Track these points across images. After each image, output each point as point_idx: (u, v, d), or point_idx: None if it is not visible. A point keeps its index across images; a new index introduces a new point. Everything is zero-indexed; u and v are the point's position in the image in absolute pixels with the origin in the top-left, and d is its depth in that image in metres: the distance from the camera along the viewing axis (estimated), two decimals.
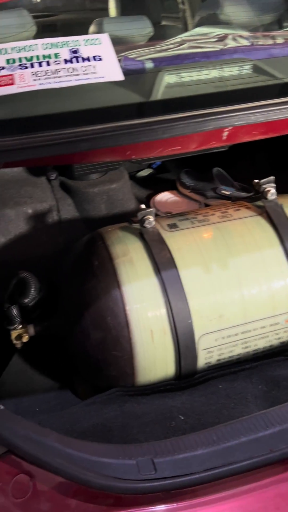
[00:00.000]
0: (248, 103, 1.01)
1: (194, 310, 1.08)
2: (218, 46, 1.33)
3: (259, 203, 1.24)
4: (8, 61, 1.00)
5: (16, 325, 1.21)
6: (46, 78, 0.98)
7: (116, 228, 1.20)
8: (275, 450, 0.79)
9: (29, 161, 1.13)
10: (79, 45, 1.04)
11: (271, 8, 1.62)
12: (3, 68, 0.99)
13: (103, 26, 1.42)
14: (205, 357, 1.11)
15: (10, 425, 0.77)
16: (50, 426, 0.82)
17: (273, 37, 1.43)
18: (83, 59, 1.02)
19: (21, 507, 0.76)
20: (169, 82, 1.16)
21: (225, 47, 1.33)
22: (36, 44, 1.04)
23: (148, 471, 0.76)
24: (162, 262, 1.09)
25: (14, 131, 0.94)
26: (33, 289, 1.22)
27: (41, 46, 1.03)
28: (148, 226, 1.15)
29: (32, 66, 1.00)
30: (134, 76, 1.19)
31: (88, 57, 1.03)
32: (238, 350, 1.14)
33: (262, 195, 1.22)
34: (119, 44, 1.21)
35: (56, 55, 1.02)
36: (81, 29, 1.47)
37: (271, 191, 1.22)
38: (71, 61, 1.01)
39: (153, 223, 1.16)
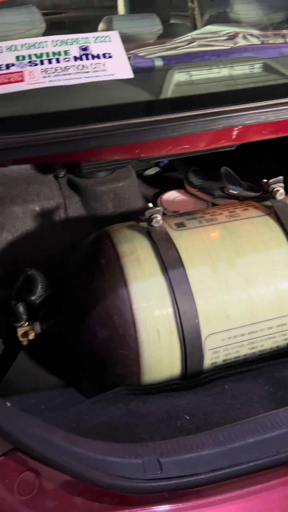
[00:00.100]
0: (259, 102, 1.00)
1: (201, 310, 1.07)
2: (228, 45, 1.32)
3: (268, 203, 1.24)
4: (18, 58, 1.00)
5: (22, 323, 1.21)
6: (55, 75, 0.97)
7: (124, 227, 1.20)
8: (282, 452, 0.79)
9: (38, 158, 1.13)
10: (89, 43, 1.04)
11: (282, 6, 1.61)
12: (12, 65, 0.99)
13: (113, 23, 1.42)
14: (211, 357, 1.11)
15: (17, 423, 0.77)
16: (56, 424, 0.82)
17: (283, 36, 1.42)
18: (93, 57, 1.02)
19: (27, 505, 0.76)
20: (179, 80, 1.15)
21: (235, 46, 1.32)
22: (46, 41, 1.03)
23: (154, 470, 0.75)
24: (170, 261, 1.09)
25: (23, 128, 0.94)
26: (40, 286, 1.22)
27: (51, 43, 1.03)
28: (156, 225, 1.15)
29: (41, 63, 0.99)
30: (144, 74, 1.18)
31: (98, 54, 1.02)
32: (244, 350, 1.13)
33: (271, 195, 1.22)
34: (128, 42, 1.21)
35: (66, 52, 1.02)
36: (90, 27, 1.46)
37: (280, 191, 1.21)
38: (80, 58, 1.01)
39: (161, 222, 1.15)
